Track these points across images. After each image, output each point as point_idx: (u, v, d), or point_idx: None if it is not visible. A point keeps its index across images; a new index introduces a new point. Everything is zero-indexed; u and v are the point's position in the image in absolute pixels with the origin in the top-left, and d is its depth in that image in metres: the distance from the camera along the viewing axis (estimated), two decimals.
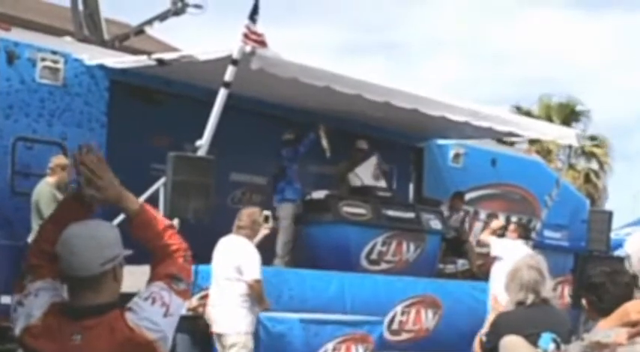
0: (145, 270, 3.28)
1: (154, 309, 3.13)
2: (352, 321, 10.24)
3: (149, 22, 14.71)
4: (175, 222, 8.95)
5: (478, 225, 14.81)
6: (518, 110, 32.33)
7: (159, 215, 3.35)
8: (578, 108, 34.43)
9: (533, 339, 4.99)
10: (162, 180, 9.68)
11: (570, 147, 14.33)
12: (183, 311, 7.37)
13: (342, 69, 11.07)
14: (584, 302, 4.65)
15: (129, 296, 3.21)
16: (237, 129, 11.29)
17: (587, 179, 33.28)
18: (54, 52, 10.45)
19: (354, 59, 57.88)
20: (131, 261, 3.30)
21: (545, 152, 28.69)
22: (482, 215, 15.01)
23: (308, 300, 10.44)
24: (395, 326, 11.31)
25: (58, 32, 14.30)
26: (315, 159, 12.38)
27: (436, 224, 12.63)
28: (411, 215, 12.43)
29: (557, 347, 4.96)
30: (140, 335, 3.09)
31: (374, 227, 11.82)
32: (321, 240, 11.53)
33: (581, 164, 33.59)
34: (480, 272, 13.07)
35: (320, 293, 10.62)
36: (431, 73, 59.33)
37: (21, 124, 10.15)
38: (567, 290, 13.96)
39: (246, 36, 9.58)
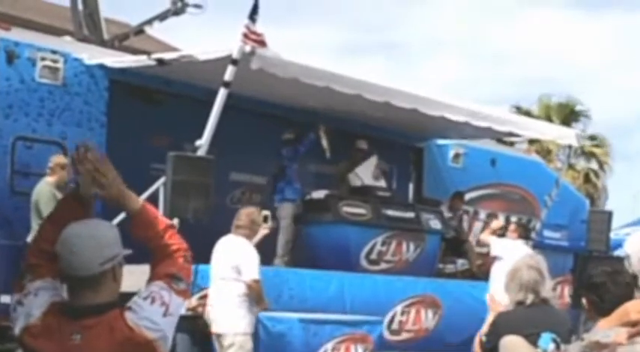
0: (144, 270, 3.28)
1: (153, 309, 3.13)
2: (352, 321, 10.24)
3: (149, 21, 14.71)
4: (175, 221, 8.95)
5: (478, 225, 14.81)
6: (518, 110, 32.34)
7: (160, 214, 3.36)
8: (578, 108, 34.46)
9: (532, 339, 4.99)
10: (161, 180, 9.68)
11: (570, 147, 14.33)
12: (183, 311, 7.38)
13: (342, 69, 11.08)
14: (584, 301, 4.65)
15: (129, 296, 3.21)
16: (236, 129, 11.29)
17: (586, 179, 33.29)
18: (54, 52, 10.45)
19: (354, 59, 57.93)
20: (131, 260, 3.31)
21: (545, 152, 28.71)
22: (482, 215, 15.01)
23: (308, 300, 10.44)
24: (395, 326, 11.31)
25: (57, 32, 14.30)
26: (314, 159, 12.38)
27: (436, 224, 12.63)
28: (410, 215, 12.43)
29: (557, 347, 4.96)
30: (140, 335, 3.09)
31: (374, 227, 11.82)
32: (321, 240, 11.53)
33: (581, 164, 33.60)
34: (480, 272, 13.07)
35: (320, 293, 10.62)
36: (431, 73, 59.38)
37: (21, 124, 10.15)
38: (567, 290, 13.96)
39: (245, 36, 9.58)
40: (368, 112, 12.04)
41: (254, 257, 8.79)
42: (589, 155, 33.63)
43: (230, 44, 9.71)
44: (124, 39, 14.77)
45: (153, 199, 9.26)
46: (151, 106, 11.22)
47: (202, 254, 8.42)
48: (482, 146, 14.98)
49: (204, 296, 9.03)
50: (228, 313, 8.74)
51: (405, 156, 14.51)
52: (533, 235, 13.62)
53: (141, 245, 3.30)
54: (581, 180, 32.66)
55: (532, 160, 16.68)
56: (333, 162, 12.47)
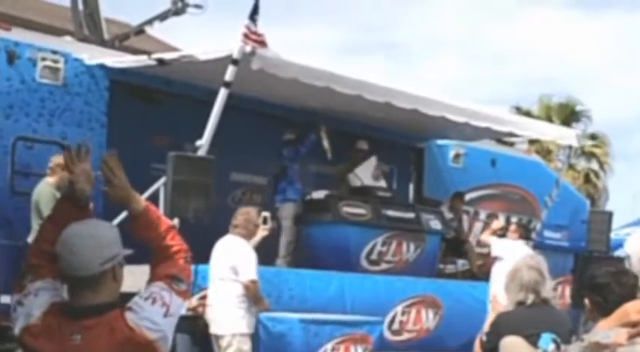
0: (145, 270, 3.29)
1: (154, 309, 3.14)
2: (352, 321, 10.24)
3: (149, 21, 14.71)
4: (175, 222, 8.96)
5: (478, 226, 14.81)
6: (518, 110, 32.35)
7: (162, 216, 3.36)
8: (578, 108, 34.48)
9: (533, 339, 4.99)
10: (162, 180, 9.68)
11: (570, 147, 14.33)
12: (183, 311, 7.38)
13: (342, 69, 11.08)
14: (587, 302, 4.64)
15: (129, 296, 3.21)
16: (237, 129, 11.29)
17: (587, 179, 33.30)
18: (54, 52, 10.45)
19: (354, 59, 57.91)
20: (131, 260, 3.30)
21: (545, 152, 28.71)
22: (482, 215, 15.01)
23: (308, 300, 10.44)
24: (395, 326, 11.31)
25: (58, 32, 14.30)
26: (315, 159, 12.38)
27: (436, 224, 12.63)
28: (411, 215, 12.42)
29: (557, 347, 4.96)
30: (140, 335, 3.10)
31: (374, 227, 11.82)
32: (321, 240, 11.53)
33: (581, 164, 33.62)
34: (480, 273, 13.07)
35: (320, 293, 10.62)
36: (431, 73, 59.38)
37: (21, 124, 10.15)
38: (567, 291, 13.95)
39: (246, 36, 9.58)
40: (368, 113, 12.04)
41: (251, 257, 8.78)
42: (589, 155, 33.65)
43: (230, 44, 9.71)
44: (124, 39, 14.77)
45: (153, 199, 9.25)
46: (152, 106, 11.22)
47: (203, 254, 8.43)
48: (482, 146, 14.97)
49: (205, 297, 9.03)
50: (226, 313, 8.74)
51: (405, 157, 14.51)
52: (533, 235, 13.62)
53: (141, 245, 3.30)
54: (582, 180, 32.68)
55: (532, 160, 16.67)
56: (333, 163, 12.47)
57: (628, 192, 49.97)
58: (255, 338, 8.95)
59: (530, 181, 15.60)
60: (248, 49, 9.56)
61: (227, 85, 9.63)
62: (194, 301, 8.89)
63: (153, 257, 3.28)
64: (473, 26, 60.26)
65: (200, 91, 10.71)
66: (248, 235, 8.93)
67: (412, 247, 12.14)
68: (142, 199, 3.33)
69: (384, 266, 11.81)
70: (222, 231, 9.02)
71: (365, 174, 12.51)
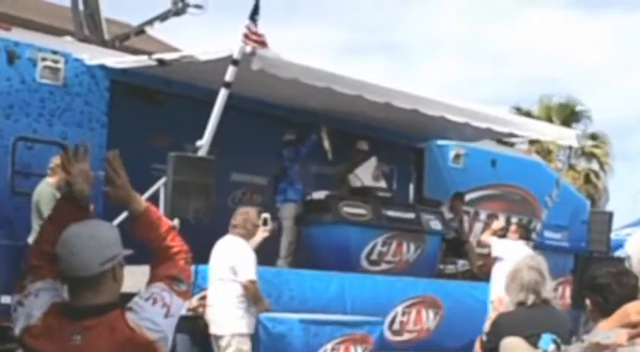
0: (145, 270, 3.29)
1: (155, 310, 3.14)
2: (352, 322, 10.24)
3: (150, 22, 14.71)
4: (176, 222, 8.96)
5: (478, 226, 14.81)
6: (518, 111, 32.35)
7: (163, 216, 3.37)
8: (578, 108, 34.49)
9: (533, 340, 4.99)
10: (162, 180, 9.68)
11: (570, 148, 14.33)
12: (184, 312, 7.38)
13: (343, 69, 11.09)
14: (588, 302, 4.63)
15: (129, 297, 3.21)
16: (237, 130, 11.29)
17: (587, 180, 33.30)
18: (54, 52, 10.44)
19: (354, 59, 57.92)
20: (131, 261, 3.31)
21: (545, 152, 28.71)
22: (483, 215, 15.01)
23: (308, 301, 10.44)
24: (396, 326, 11.31)
25: (58, 32, 14.30)
26: (315, 160, 12.39)
27: (436, 224, 12.63)
28: (411, 215, 12.42)
29: (558, 347, 4.96)
30: (141, 336, 3.10)
31: (374, 227, 11.82)
32: (322, 241, 11.53)
33: (582, 165, 33.62)
34: (481, 273, 13.07)
35: (320, 293, 10.62)
36: (431, 73, 59.39)
37: (21, 124, 10.15)
38: (568, 291, 13.95)
39: (246, 36, 9.58)
40: (368, 113, 12.04)
41: (250, 257, 8.76)
42: (589, 156, 33.66)
43: (231, 45, 9.71)
44: (124, 39, 14.78)
45: (153, 199, 9.25)
46: (152, 107, 11.22)
47: (203, 254, 8.43)
48: (482, 147, 14.98)
49: (205, 297, 9.03)
50: (225, 314, 8.73)
51: (405, 157, 14.51)
52: (533, 236, 13.62)
53: (141, 245, 3.30)
54: (582, 180, 32.68)
55: (532, 161, 16.67)
56: (333, 163, 12.47)
57: (628, 192, 50.01)
58: (255, 338, 8.95)
59: (530, 181, 15.60)
60: (248, 49, 9.56)
61: (227, 85, 9.63)
62: (194, 301, 8.89)
63: (153, 257, 3.29)
64: (473, 26, 60.32)
65: (200, 92, 10.71)
66: (247, 235, 8.92)
67: (412, 247, 12.14)
68: (143, 200, 3.33)
69: (384, 266, 11.81)
70: (223, 231, 9.02)
71: (365, 174, 12.51)
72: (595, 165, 33.96)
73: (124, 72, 10.77)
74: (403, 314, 11.39)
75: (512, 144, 17.14)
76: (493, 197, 15.29)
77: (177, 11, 14.17)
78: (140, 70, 10.72)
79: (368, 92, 10.79)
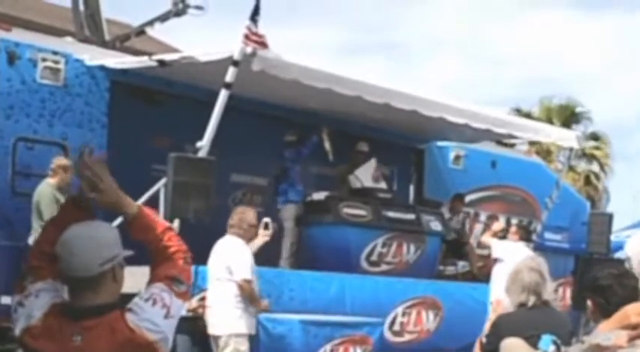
0: (145, 271, 3.29)
1: (154, 310, 3.14)
2: (352, 323, 10.24)
3: (150, 22, 14.70)
4: (176, 222, 8.96)
5: (478, 227, 14.81)
6: (519, 112, 32.35)
7: (157, 217, 3.36)
8: (579, 109, 34.49)
9: (533, 341, 4.99)
10: (162, 181, 9.68)
11: (571, 149, 14.33)
12: (184, 312, 7.38)
13: (342, 69, 11.10)
14: (589, 303, 4.63)
15: (129, 297, 3.21)
16: (238, 130, 11.30)
17: (587, 181, 33.31)
18: (55, 53, 10.45)
19: (354, 59, 57.94)
20: (132, 261, 3.31)
21: (545, 153, 28.70)
22: (483, 217, 15.02)
23: (308, 301, 10.44)
24: (396, 327, 11.31)
25: (58, 32, 14.30)
26: (315, 161, 12.39)
27: (436, 225, 12.63)
28: (411, 216, 12.43)
29: (558, 349, 4.96)
30: (141, 336, 3.10)
31: (374, 228, 11.82)
32: (322, 241, 11.53)
33: (582, 166, 33.62)
34: (481, 274, 13.07)
35: (320, 294, 10.62)
36: (431, 73, 59.41)
37: (22, 125, 10.15)
38: (568, 292, 13.95)
39: (247, 37, 9.58)
40: (369, 114, 12.04)
41: (245, 256, 8.72)
42: (590, 157, 33.67)
43: (231, 45, 9.71)
44: (125, 40, 14.76)
45: (154, 200, 9.27)
46: (152, 107, 11.22)
47: (203, 255, 8.43)
48: (482, 148, 14.98)
49: (205, 298, 9.02)
50: (223, 314, 8.71)
51: (405, 158, 14.52)
52: (534, 237, 13.62)
53: (142, 246, 3.30)
54: (582, 182, 32.69)
55: (532, 162, 16.68)
56: (333, 164, 12.48)
57: (628, 192, 50.01)
58: (255, 339, 8.94)
59: (530, 183, 15.61)
60: (249, 50, 9.56)
61: (228, 86, 9.63)
62: (194, 302, 8.88)
63: (152, 259, 3.29)
64: (473, 27, 60.34)
65: (201, 92, 10.72)
66: (244, 235, 8.87)
67: (412, 248, 12.14)
68: (134, 203, 3.31)
69: (384, 267, 11.81)
70: (223, 232, 9.01)
71: (365, 175, 12.51)
72: (595, 167, 33.96)
73: (125, 72, 10.77)
74: (403, 315, 11.40)
75: (512, 146, 17.14)
76: (493, 198, 15.30)
77: (178, 12, 14.16)
78: (140, 70, 10.73)
79: (368, 93, 10.80)
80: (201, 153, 9.68)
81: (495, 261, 11.72)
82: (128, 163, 8.82)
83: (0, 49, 10.06)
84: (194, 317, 8.86)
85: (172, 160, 9.39)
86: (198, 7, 14.06)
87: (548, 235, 15.07)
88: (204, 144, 9.66)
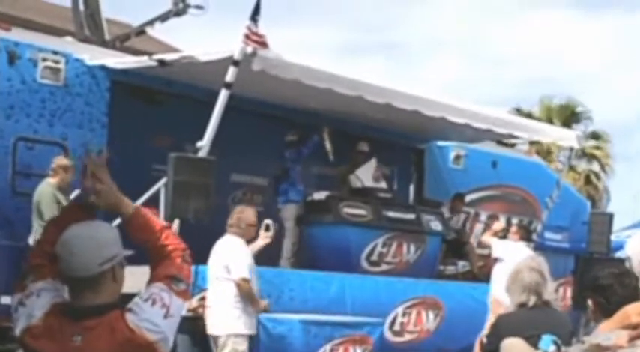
0: (145, 271, 3.29)
1: (154, 310, 3.14)
2: (352, 322, 10.24)
3: (150, 22, 14.71)
4: (176, 222, 8.95)
5: (479, 227, 14.81)
6: (519, 112, 32.36)
7: (155, 217, 3.36)
8: (579, 109, 34.51)
9: (533, 341, 4.98)
10: (163, 181, 9.68)
11: (571, 149, 14.33)
12: (184, 312, 7.37)
13: (343, 69, 11.09)
14: (590, 303, 4.64)
15: (129, 297, 3.21)
16: (238, 130, 11.30)
17: (587, 181, 33.31)
18: (55, 52, 10.46)
19: (354, 59, 57.94)
20: (132, 261, 3.31)
21: (545, 153, 28.70)
22: (483, 216, 15.02)
23: (308, 301, 10.44)
24: (396, 327, 11.31)
25: (59, 32, 14.31)
26: (316, 161, 12.39)
27: (437, 225, 12.63)
28: (411, 216, 12.43)
29: (558, 349, 4.95)
30: (141, 336, 3.09)
31: (374, 228, 11.82)
32: (322, 241, 11.53)
33: (582, 166, 33.63)
34: (481, 274, 13.07)
35: (320, 294, 10.62)
36: (431, 73, 59.41)
37: (22, 124, 10.16)
38: (569, 292, 13.96)
39: (247, 37, 9.58)
40: (370, 114, 12.04)
41: (242, 255, 8.70)
42: (590, 157, 33.67)
43: (231, 45, 9.72)
44: (125, 40, 14.77)
45: (154, 200, 9.27)
46: (153, 107, 11.23)
47: (203, 255, 8.43)
48: (483, 148, 14.98)
49: (205, 297, 9.02)
50: (222, 314, 8.70)
51: (406, 158, 14.52)
52: (534, 237, 13.62)
53: (141, 246, 3.30)
54: (582, 181, 32.69)
55: (533, 162, 16.68)
56: (334, 164, 12.48)
57: (628, 192, 50.02)
58: (255, 339, 8.93)
59: (530, 182, 15.61)
60: (249, 50, 9.56)
61: (228, 85, 9.63)
62: (194, 302, 8.87)
63: (150, 258, 3.29)
64: (473, 27, 60.35)
65: (201, 92, 10.72)
66: (243, 234, 8.85)
67: (413, 248, 12.14)
68: (131, 203, 3.31)
69: (384, 267, 11.81)
70: (223, 231, 9.01)
71: (365, 175, 12.52)
72: (596, 166, 33.97)
73: (125, 72, 10.78)
74: (404, 314, 11.40)
75: (512, 145, 17.15)
76: (493, 198, 15.30)
77: (178, 12, 14.17)
78: (141, 70, 10.73)
79: (369, 93, 10.80)
80: (202, 153, 9.68)
81: (496, 260, 11.71)
82: (128, 163, 8.81)
83: (0, 49, 10.07)
84: (194, 316, 8.85)
85: (172, 160, 9.39)
86: (199, 7, 14.08)
87: (548, 235, 15.07)
88: (204, 143, 9.66)
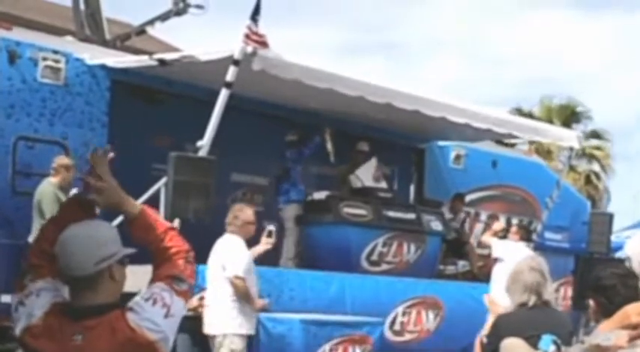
0: (147, 270, 3.29)
1: (155, 310, 3.13)
2: (352, 322, 10.24)
3: (151, 22, 14.72)
4: (176, 222, 8.95)
5: (479, 227, 14.81)
6: (520, 112, 32.36)
7: (159, 218, 3.35)
8: (579, 109, 34.51)
9: (533, 341, 4.98)
10: (163, 180, 9.67)
11: (571, 149, 14.33)
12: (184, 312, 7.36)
13: (342, 69, 11.08)
14: (592, 303, 4.64)
15: (130, 296, 3.21)
16: (238, 130, 11.30)
17: (587, 180, 33.31)
18: (55, 52, 10.45)
19: (354, 59, 57.98)
20: (133, 260, 3.30)
21: (545, 153, 28.70)
22: (483, 216, 15.01)
23: (308, 301, 10.44)
24: (396, 327, 11.31)
25: (59, 32, 14.31)
26: (316, 161, 12.39)
27: (437, 225, 12.63)
28: (411, 216, 12.42)
29: (558, 349, 4.95)
30: (141, 336, 3.09)
31: (375, 228, 11.82)
32: (322, 241, 11.53)
33: (582, 166, 33.63)
34: (481, 274, 13.07)
35: (320, 293, 10.62)
36: (431, 73, 59.45)
37: (22, 124, 10.16)
38: (569, 292, 13.96)
39: (247, 36, 9.58)
40: (370, 114, 12.04)
41: (238, 253, 8.69)
42: (590, 157, 33.68)
43: (232, 45, 9.71)
44: (125, 39, 14.78)
45: (154, 199, 9.27)
46: (153, 106, 11.23)
47: (203, 255, 8.42)
48: (483, 147, 14.98)
49: (204, 297, 9.02)
50: (219, 313, 8.70)
51: (406, 158, 14.52)
52: (534, 237, 13.62)
53: (143, 245, 3.30)
54: (582, 181, 32.69)
55: (533, 162, 16.68)
56: (334, 164, 12.48)
57: (628, 192, 50.01)
58: (254, 338, 8.93)
59: (531, 182, 15.61)
60: (249, 49, 9.55)
61: (228, 85, 9.63)
62: (194, 301, 8.86)
63: (153, 259, 3.28)
64: (473, 27, 60.39)
65: (201, 92, 10.72)
66: (240, 232, 8.82)
67: (413, 248, 12.14)
68: (136, 203, 3.30)
69: (384, 267, 11.81)
70: (223, 231, 9.02)
71: (366, 175, 12.52)
72: (596, 166, 33.97)
73: (125, 72, 10.77)
74: (404, 314, 11.39)
75: (512, 145, 17.15)
76: (494, 198, 15.30)
77: (179, 11, 14.18)
78: (141, 69, 10.73)
79: (369, 93, 10.79)
80: (202, 153, 9.67)
81: (496, 260, 11.72)
82: (128, 162, 8.79)
83: (1, 48, 10.07)
84: (194, 316, 8.85)
85: (173, 159, 9.39)
86: (199, 7, 14.10)
87: (548, 235, 15.07)
88: (204, 143, 9.65)
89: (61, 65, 10.43)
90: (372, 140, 12.87)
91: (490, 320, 5.54)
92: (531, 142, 19.94)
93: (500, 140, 15.39)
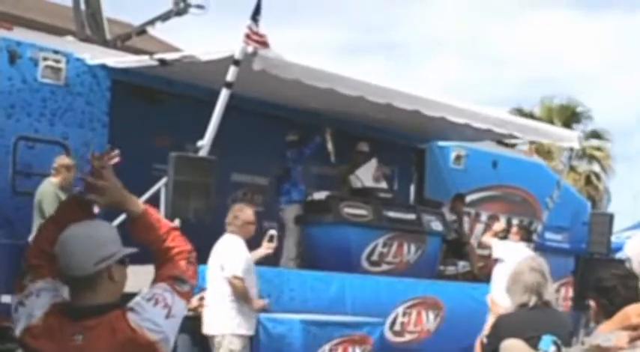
0: (148, 270, 3.29)
1: (156, 310, 3.13)
2: (352, 322, 10.23)
3: (151, 22, 14.72)
4: (176, 222, 8.95)
5: (479, 227, 14.81)
6: (520, 112, 32.36)
7: (162, 218, 3.35)
8: (579, 109, 34.52)
9: (533, 342, 4.98)
10: (163, 180, 9.67)
11: (572, 149, 14.33)
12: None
13: (343, 69, 11.08)
14: (592, 304, 4.64)
15: (131, 296, 3.21)
16: (238, 130, 11.30)
17: (588, 181, 33.31)
18: (56, 52, 10.45)
19: (354, 59, 58.00)
20: (135, 260, 3.30)
21: (545, 153, 28.69)
22: (484, 217, 15.01)
23: (309, 301, 10.43)
24: (397, 327, 11.31)
25: (60, 32, 14.31)
26: (316, 161, 12.39)
27: (437, 225, 12.62)
28: (412, 216, 12.42)
29: (558, 349, 4.95)
30: (142, 336, 3.09)
31: (375, 228, 11.82)
32: (322, 241, 11.52)
33: (583, 166, 33.63)
34: (481, 274, 13.07)
35: (321, 294, 10.61)
36: (431, 73, 59.46)
37: (23, 124, 10.16)
38: (570, 293, 13.96)
39: (248, 36, 9.57)
40: (371, 114, 12.04)
41: (238, 254, 8.68)
42: (590, 157, 33.67)
43: (232, 45, 9.71)
44: (126, 39, 14.78)
45: (154, 199, 9.27)
46: (153, 106, 11.23)
47: (203, 255, 8.42)
48: (483, 148, 14.98)
49: (204, 297, 9.02)
50: (218, 313, 8.69)
51: (406, 158, 14.52)
52: (534, 237, 13.62)
53: (144, 245, 3.30)
54: (583, 182, 32.69)
55: (533, 162, 16.68)
56: (334, 164, 12.48)
57: (629, 192, 50.02)
58: (255, 339, 8.93)
59: (531, 183, 15.61)
60: (250, 49, 9.55)
61: (229, 85, 9.63)
62: (194, 301, 8.86)
63: (155, 259, 3.28)
64: (473, 27, 60.41)
65: (202, 92, 10.72)
66: (239, 231, 8.82)
67: (413, 248, 12.14)
68: (140, 202, 3.31)
69: (384, 267, 11.81)
70: (223, 231, 9.02)
71: (366, 175, 12.51)
72: (596, 167, 33.97)
73: (126, 72, 10.77)
74: (404, 315, 11.39)
75: (513, 146, 17.15)
76: (494, 198, 15.29)
77: (179, 11, 14.18)
78: (141, 69, 10.73)
79: (369, 93, 10.78)
80: (202, 153, 9.67)
81: (496, 261, 11.72)
82: (129, 162, 8.80)
83: (1, 48, 10.07)
84: (194, 316, 8.85)
85: (173, 159, 9.38)
86: (199, 7, 14.10)
87: (548, 235, 15.06)
88: (205, 143, 9.65)
89: (62, 65, 10.43)
90: (372, 140, 12.87)
91: (490, 320, 5.54)
92: (531, 142, 19.93)
93: (500, 140, 15.39)
